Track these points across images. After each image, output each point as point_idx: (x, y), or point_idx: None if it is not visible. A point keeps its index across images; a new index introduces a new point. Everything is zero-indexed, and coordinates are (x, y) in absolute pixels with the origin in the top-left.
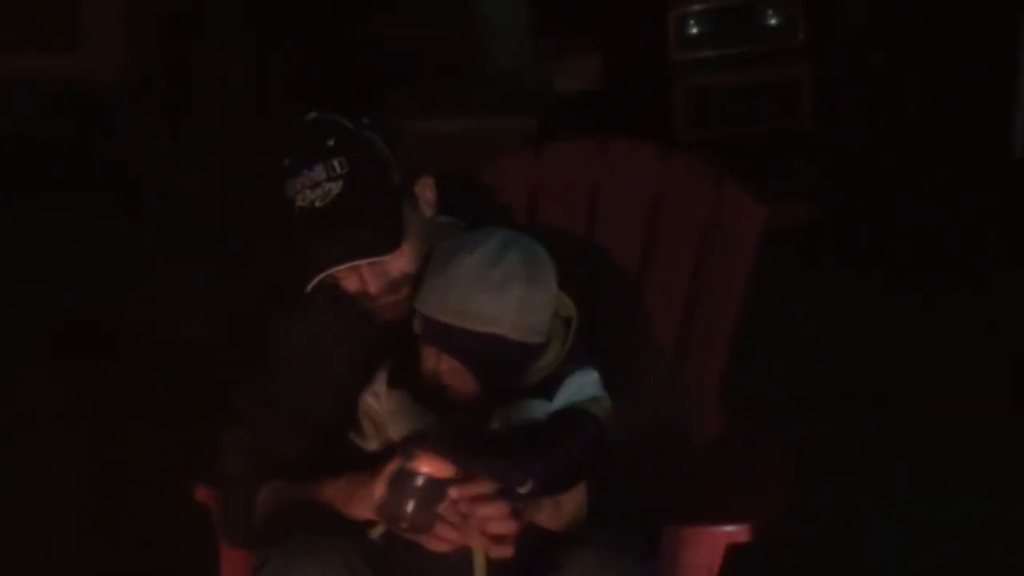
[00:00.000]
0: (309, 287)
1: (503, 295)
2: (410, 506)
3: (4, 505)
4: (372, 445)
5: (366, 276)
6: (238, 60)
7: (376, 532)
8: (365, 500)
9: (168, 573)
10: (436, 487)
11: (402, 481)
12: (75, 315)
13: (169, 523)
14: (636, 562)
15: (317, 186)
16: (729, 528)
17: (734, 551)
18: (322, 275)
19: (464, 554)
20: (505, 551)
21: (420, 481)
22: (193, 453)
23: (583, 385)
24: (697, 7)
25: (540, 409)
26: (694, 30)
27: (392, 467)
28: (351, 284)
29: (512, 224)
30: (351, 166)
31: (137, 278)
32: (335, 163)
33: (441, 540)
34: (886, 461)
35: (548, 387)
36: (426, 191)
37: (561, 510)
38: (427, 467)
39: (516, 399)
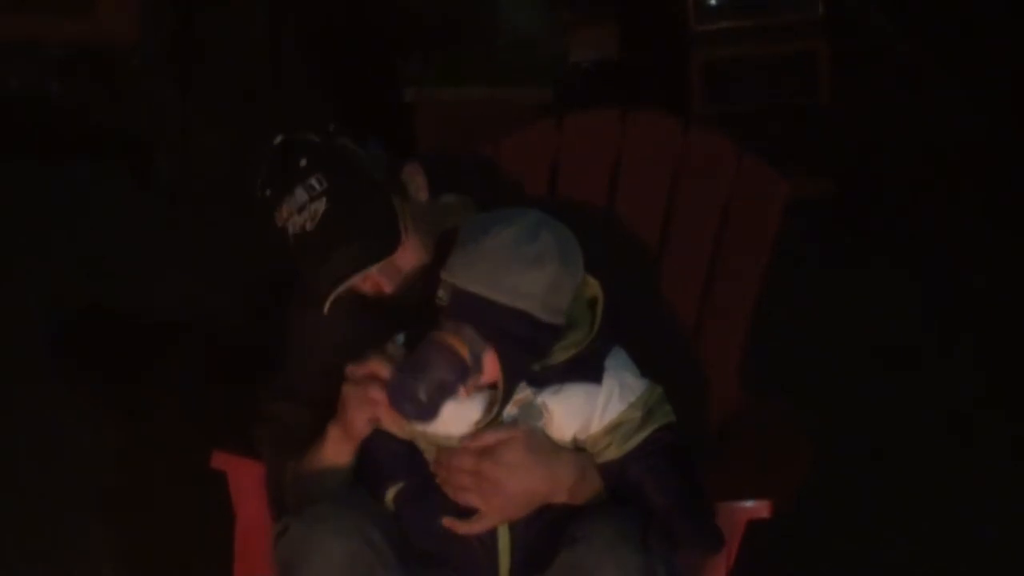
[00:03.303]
0: (325, 309)
1: (537, 271)
2: (422, 392)
3: (27, 481)
4: None
5: (379, 278)
6: (252, 26)
7: (390, 496)
8: (364, 403)
9: (185, 542)
10: (449, 378)
11: (417, 363)
12: (84, 286)
13: (186, 492)
14: (658, 536)
15: (303, 209)
16: (749, 504)
17: (754, 528)
18: (334, 294)
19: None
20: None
21: (437, 364)
22: (209, 424)
23: (621, 367)
24: None
25: (592, 394)
26: (713, 1)
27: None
28: (367, 288)
29: (523, 197)
30: (329, 180)
31: (147, 244)
32: (313, 181)
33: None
34: (907, 438)
35: (591, 371)
36: (414, 177)
37: (584, 485)
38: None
39: (562, 385)
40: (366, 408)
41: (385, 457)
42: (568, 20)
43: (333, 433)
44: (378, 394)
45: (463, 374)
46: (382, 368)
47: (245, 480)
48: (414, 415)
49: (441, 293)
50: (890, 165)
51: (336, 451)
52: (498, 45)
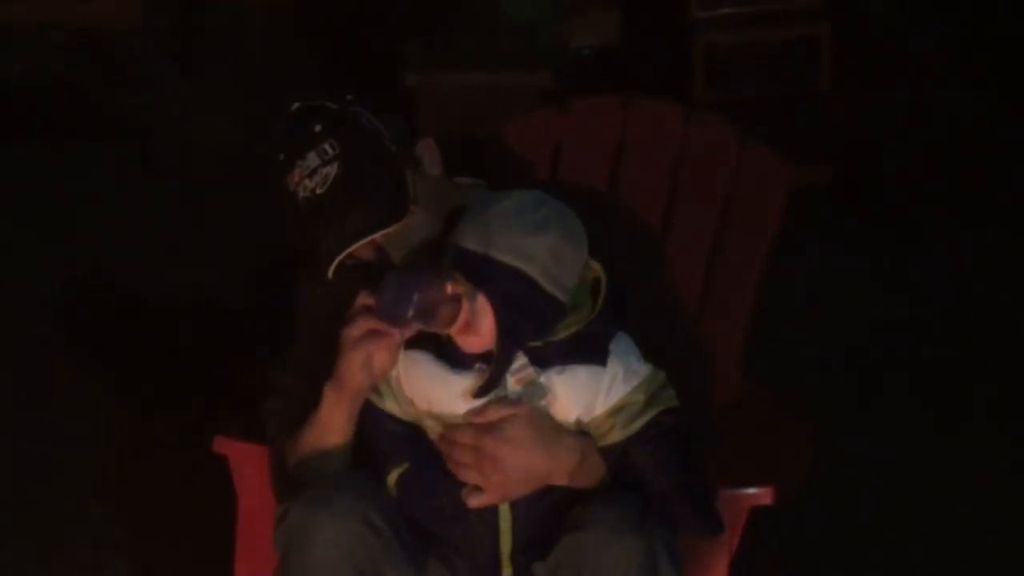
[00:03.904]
0: (330, 273)
1: (538, 235)
2: (411, 311)
3: (28, 473)
4: (388, 404)
5: (385, 246)
6: (253, 13)
7: (392, 478)
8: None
9: (188, 524)
10: (440, 295)
11: (412, 269)
12: (87, 268)
13: (188, 481)
14: (659, 521)
15: (314, 173)
16: (752, 491)
17: (755, 527)
18: (338, 259)
19: (491, 510)
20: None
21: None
22: (211, 408)
23: (625, 351)
24: None
25: (596, 376)
26: None
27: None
28: (372, 257)
29: (534, 183)
30: (342, 146)
31: (149, 230)
32: (326, 147)
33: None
34: (912, 422)
35: (595, 352)
36: (428, 151)
37: (585, 468)
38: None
39: (565, 366)
40: (360, 347)
41: (387, 440)
42: (569, 5)
43: (328, 391)
44: (369, 321)
45: (452, 296)
46: (372, 299)
47: (247, 464)
48: (393, 310)
49: (447, 259)
50: (890, 165)
51: (332, 410)
52: (499, 31)
